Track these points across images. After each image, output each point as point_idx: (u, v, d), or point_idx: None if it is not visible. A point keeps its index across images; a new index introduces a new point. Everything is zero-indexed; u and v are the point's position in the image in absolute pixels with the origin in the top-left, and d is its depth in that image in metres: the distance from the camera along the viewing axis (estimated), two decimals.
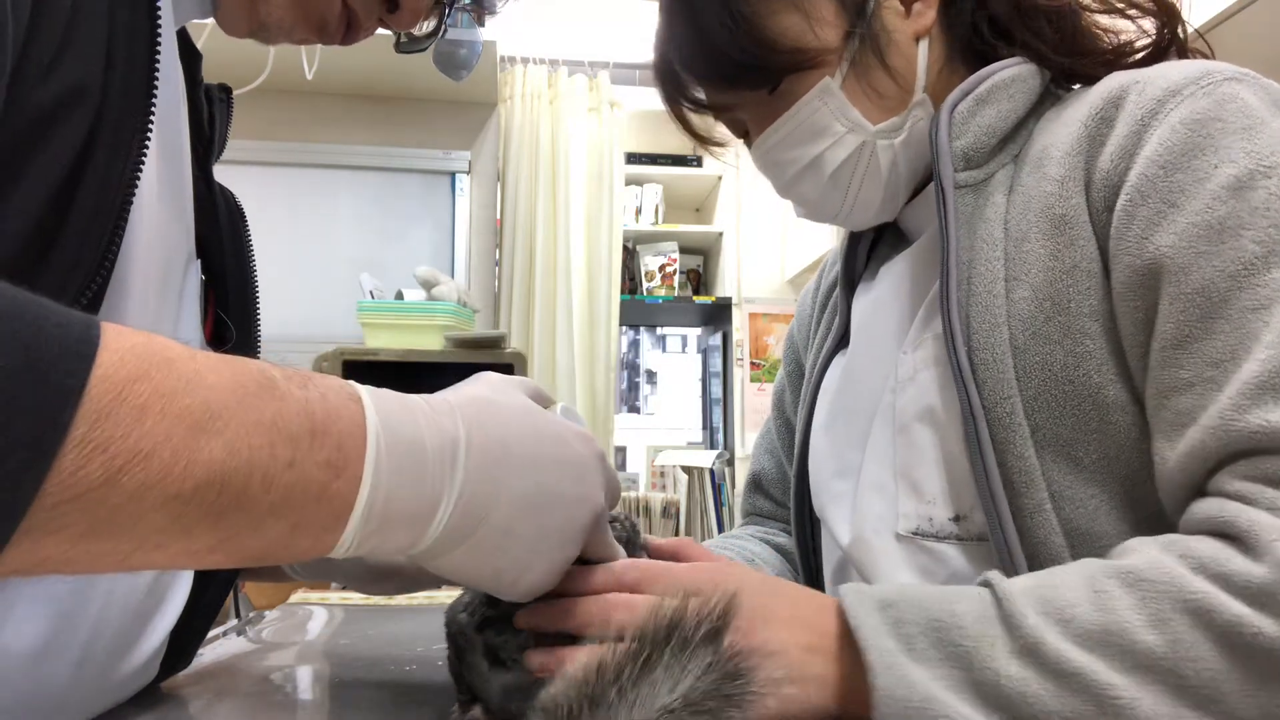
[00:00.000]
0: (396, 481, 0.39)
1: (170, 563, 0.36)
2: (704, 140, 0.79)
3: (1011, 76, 0.66)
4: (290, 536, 0.37)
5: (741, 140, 0.76)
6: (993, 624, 0.46)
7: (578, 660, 0.36)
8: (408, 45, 0.72)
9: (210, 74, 0.66)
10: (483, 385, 0.47)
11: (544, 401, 0.49)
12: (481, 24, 0.80)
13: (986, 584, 0.49)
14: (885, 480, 0.67)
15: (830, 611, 0.50)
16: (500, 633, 0.50)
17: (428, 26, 0.70)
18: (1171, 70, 0.58)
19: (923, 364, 0.65)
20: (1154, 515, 0.56)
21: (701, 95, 0.72)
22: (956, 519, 0.62)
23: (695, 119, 0.76)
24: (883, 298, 0.74)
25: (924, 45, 0.68)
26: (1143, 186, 0.54)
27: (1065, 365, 0.57)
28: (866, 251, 0.81)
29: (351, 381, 0.41)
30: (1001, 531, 0.57)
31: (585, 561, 0.49)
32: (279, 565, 0.70)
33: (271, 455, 0.35)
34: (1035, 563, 0.56)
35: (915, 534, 0.64)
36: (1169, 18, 0.68)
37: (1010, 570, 0.56)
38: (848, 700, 0.47)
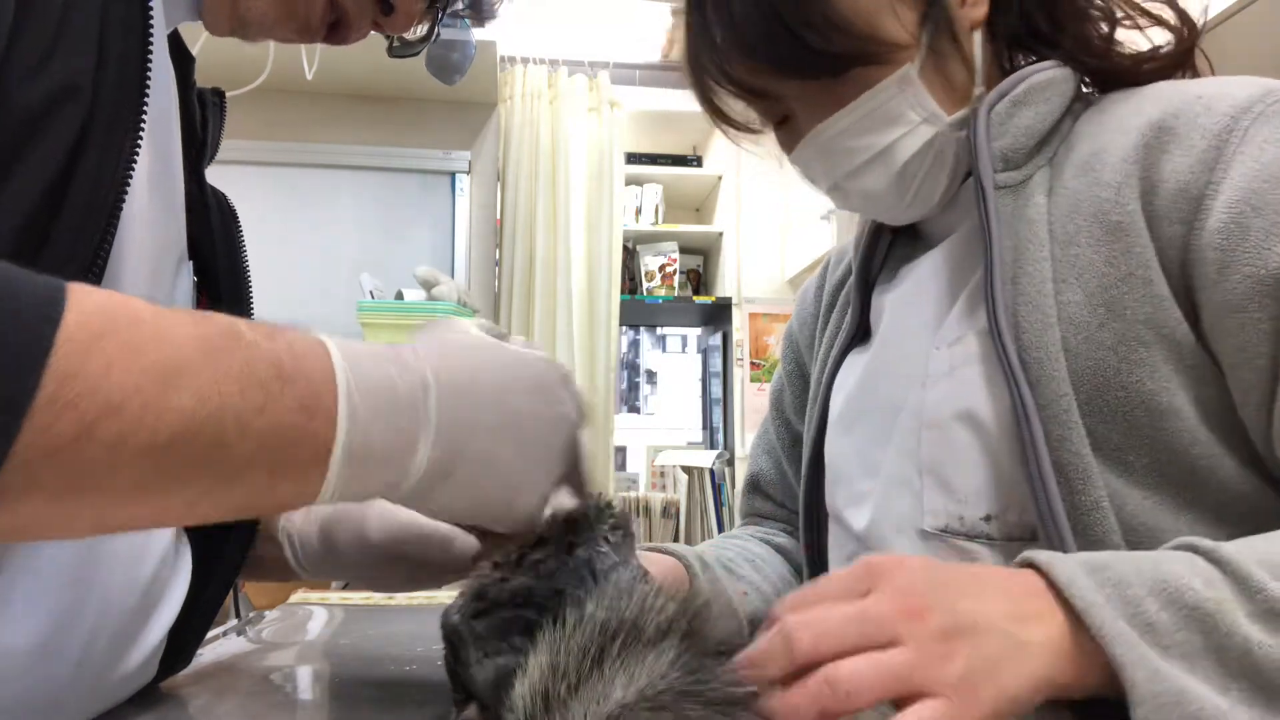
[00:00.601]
0: (372, 419, 0.40)
1: (153, 518, 0.37)
2: (738, 127, 0.75)
3: (1048, 79, 0.67)
4: (271, 483, 0.38)
5: (774, 128, 0.73)
6: (1222, 586, 0.43)
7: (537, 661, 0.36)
8: (401, 49, 0.71)
9: (209, 75, 0.66)
10: (440, 328, 0.49)
11: (500, 336, 0.50)
12: (481, 25, 0.79)
13: (1186, 548, 0.46)
14: (910, 476, 0.67)
15: (1024, 576, 0.45)
16: (489, 623, 0.50)
17: (421, 30, 0.69)
18: (1232, 87, 0.59)
19: (962, 361, 0.65)
20: (1210, 514, 0.56)
21: (743, 79, 0.67)
22: (988, 518, 0.62)
23: (728, 104, 0.72)
24: (909, 296, 0.74)
25: (978, 37, 0.68)
26: (1252, 200, 0.54)
27: (1119, 371, 0.57)
28: (885, 250, 0.81)
29: (316, 332, 0.41)
30: (1056, 530, 0.57)
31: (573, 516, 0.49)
32: (285, 563, 0.70)
33: (243, 401, 0.36)
34: None
35: (944, 531, 0.64)
36: (1189, 30, 0.68)
37: None
38: (1073, 665, 0.42)
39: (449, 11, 0.68)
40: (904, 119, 0.65)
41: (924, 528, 0.65)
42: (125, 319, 0.34)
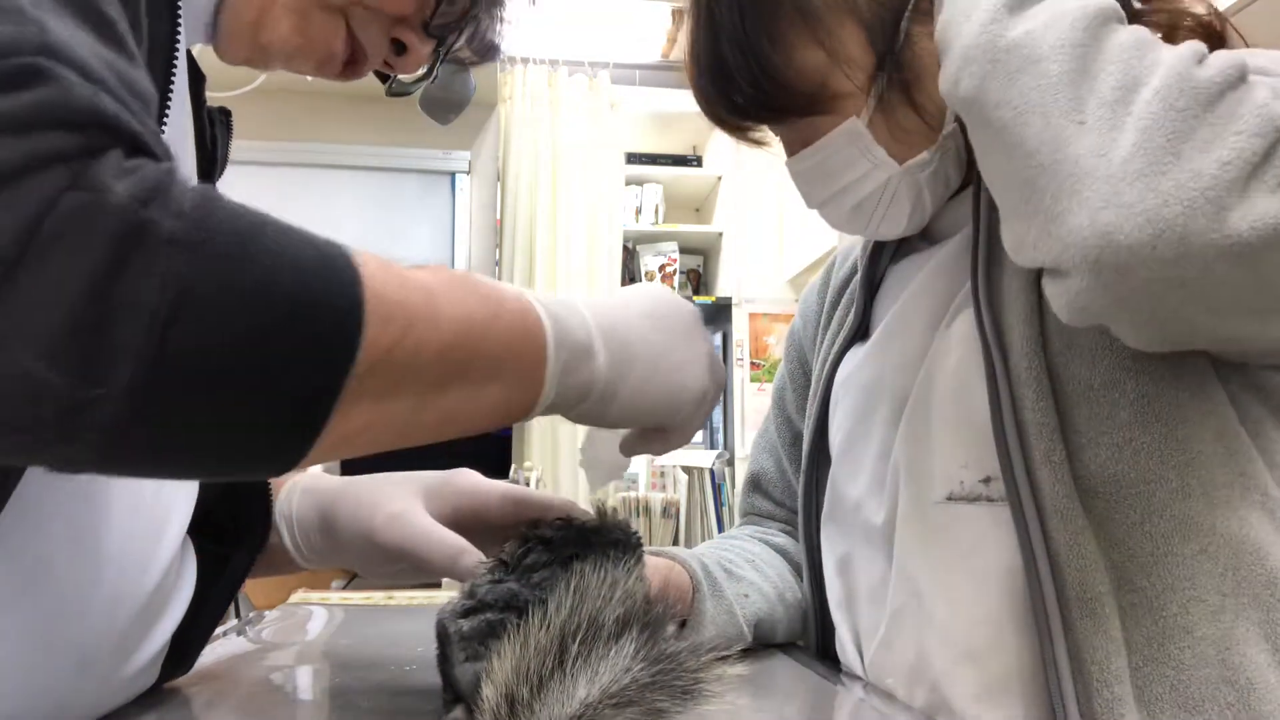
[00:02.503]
0: (565, 316, 0.50)
1: (439, 426, 0.45)
2: (745, 139, 0.77)
3: None
4: (510, 387, 0.47)
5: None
6: None
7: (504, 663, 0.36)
8: (398, 87, 0.72)
9: (210, 74, 0.66)
10: (641, 295, 0.58)
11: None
12: (482, 63, 0.79)
13: None
14: (919, 455, 0.68)
15: None
16: (474, 624, 0.50)
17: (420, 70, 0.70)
18: None
19: (960, 339, 0.67)
20: (1199, 457, 0.57)
21: (717, 113, 0.71)
22: (987, 480, 0.64)
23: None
24: (917, 287, 0.75)
25: None
26: None
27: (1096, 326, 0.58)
28: (892, 249, 0.82)
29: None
30: (1015, 486, 0.59)
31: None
32: (289, 557, 0.71)
33: (484, 309, 0.45)
34: (1044, 514, 0.58)
35: (949, 499, 0.65)
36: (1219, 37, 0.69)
37: (1022, 525, 0.58)
38: None
39: (449, 54, 0.69)
40: (855, 166, 0.68)
41: (934, 499, 0.66)
42: (378, 259, 0.41)
